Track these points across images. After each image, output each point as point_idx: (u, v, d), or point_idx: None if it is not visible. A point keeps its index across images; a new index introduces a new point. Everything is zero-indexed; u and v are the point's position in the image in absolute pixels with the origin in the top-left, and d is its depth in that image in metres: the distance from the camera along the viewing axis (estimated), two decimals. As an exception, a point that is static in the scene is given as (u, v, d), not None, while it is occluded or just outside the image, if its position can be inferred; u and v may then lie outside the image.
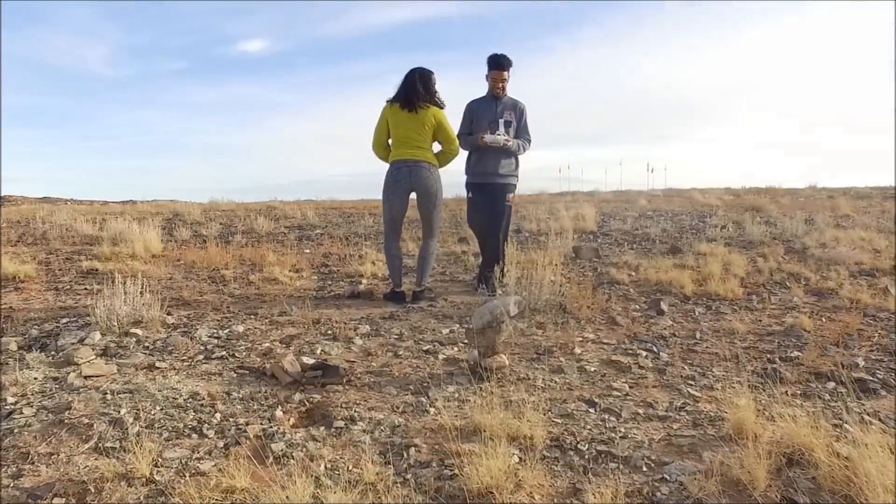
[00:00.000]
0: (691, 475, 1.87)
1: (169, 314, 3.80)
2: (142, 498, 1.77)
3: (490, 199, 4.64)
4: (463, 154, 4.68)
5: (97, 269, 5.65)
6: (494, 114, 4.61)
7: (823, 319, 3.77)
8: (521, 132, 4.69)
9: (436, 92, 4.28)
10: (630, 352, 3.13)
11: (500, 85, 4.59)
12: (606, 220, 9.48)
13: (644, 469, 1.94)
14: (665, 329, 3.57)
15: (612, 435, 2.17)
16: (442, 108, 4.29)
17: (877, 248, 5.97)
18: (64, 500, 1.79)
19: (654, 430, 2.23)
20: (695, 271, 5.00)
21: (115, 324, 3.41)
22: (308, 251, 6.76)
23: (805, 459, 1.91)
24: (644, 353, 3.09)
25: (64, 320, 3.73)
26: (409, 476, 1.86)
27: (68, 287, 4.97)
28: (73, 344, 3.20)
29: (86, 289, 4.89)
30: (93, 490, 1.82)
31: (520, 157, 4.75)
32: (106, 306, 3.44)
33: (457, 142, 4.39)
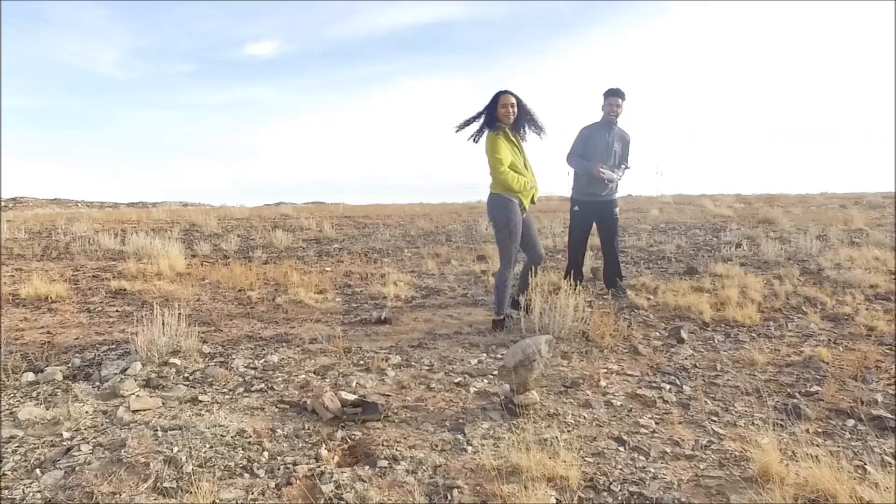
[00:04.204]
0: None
1: (204, 342, 3.94)
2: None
3: (601, 214, 5.37)
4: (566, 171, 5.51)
5: (125, 290, 5.81)
6: (607, 142, 5.22)
7: (841, 349, 3.86)
8: (624, 160, 5.40)
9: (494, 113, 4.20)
10: (654, 384, 3.23)
11: (615, 110, 5.21)
12: (620, 234, 9.57)
13: (673, 510, 2.04)
14: (686, 359, 3.67)
15: (643, 475, 2.27)
16: (495, 131, 4.18)
17: (891, 270, 6.03)
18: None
19: (681, 469, 2.33)
20: (712, 295, 5.09)
21: (155, 354, 3.55)
22: (329, 269, 6.89)
23: (830, 499, 2.01)
24: (668, 387, 3.19)
25: (103, 348, 3.87)
26: (454, 519, 1.98)
27: (99, 308, 5.12)
28: (115, 374, 3.34)
29: (117, 310, 5.04)
30: (158, 531, 1.94)
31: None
32: (146, 337, 3.57)
33: (498, 172, 4.16)
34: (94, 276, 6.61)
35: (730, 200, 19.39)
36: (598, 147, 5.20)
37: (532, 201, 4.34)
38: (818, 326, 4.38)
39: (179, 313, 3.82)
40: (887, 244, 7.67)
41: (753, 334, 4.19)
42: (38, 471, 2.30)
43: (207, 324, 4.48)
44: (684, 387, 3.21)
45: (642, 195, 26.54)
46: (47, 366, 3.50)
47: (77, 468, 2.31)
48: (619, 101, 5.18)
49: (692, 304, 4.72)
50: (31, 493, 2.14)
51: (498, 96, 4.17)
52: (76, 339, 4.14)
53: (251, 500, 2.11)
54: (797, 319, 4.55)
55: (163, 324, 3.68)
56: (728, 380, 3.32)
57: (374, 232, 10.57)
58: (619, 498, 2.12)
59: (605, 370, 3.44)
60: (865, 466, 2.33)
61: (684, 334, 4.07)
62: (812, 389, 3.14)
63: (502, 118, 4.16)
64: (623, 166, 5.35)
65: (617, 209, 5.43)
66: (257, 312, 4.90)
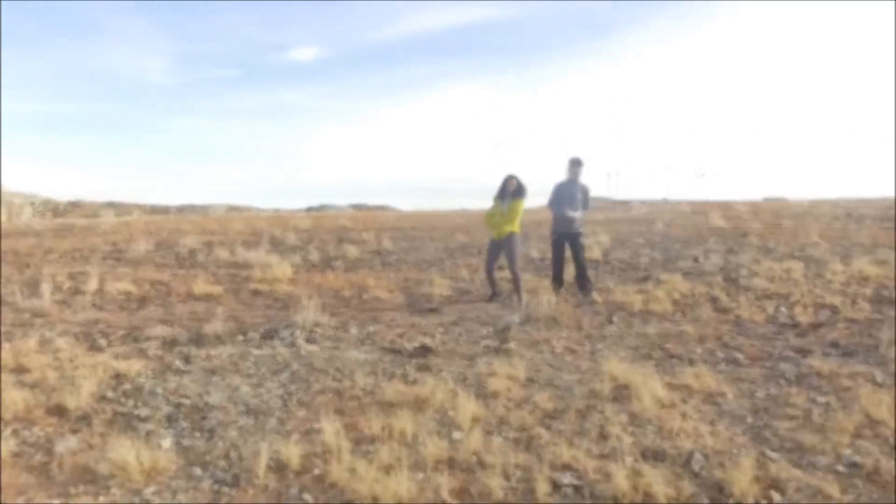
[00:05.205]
0: (580, 387, 4.63)
1: (329, 321, 6.74)
2: (365, 394, 4.64)
3: (571, 240, 8.20)
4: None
5: (260, 290, 8.71)
6: (573, 193, 8.14)
7: (705, 328, 6.41)
8: (585, 203, 8.24)
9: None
10: (581, 343, 5.89)
11: (577, 172, 8.15)
12: (615, 246, 12.12)
13: (561, 388, 4.69)
14: (609, 332, 6.29)
15: (556, 375, 4.94)
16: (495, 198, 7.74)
17: (792, 278, 8.47)
18: (334, 386, 4.68)
19: (576, 374, 4.98)
20: (647, 295, 7.67)
21: (307, 326, 6.37)
22: (392, 276, 9.71)
23: (631, 385, 4.63)
24: (588, 345, 5.84)
25: (274, 322, 6.70)
26: (467, 387, 4.67)
27: (250, 302, 8.00)
28: (288, 336, 6.16)
29: (262, 303, 7.90)
30: (341, 390, 4.69)
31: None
32: (301, 316, 6.41)
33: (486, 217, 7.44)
34: (230, 281, 9.54)
35: (741, 210, 21.52)
36: (566, 196, 8.01)
37: (499, 235, 7.47)
38: (707, 315, 6.92)
39: (316, 304, 6.63)
40: (816, 256, 10.03)
41: (661, 319, 6.77)
42: (275, 372, 5.09)
43: (326, 311, 7.29)
44: (598, 344, 5.85)
45: (673, 199, 28.48)
46: (248, 332, 6.34)
47: (293, 372, 5.10)
48: (579, 168, 8.02)
49: (631, 301, 7.32)
50: (278, 381, 4.92)
51: (506, 179, 7.44)
52: (252, 319, 7.00)
53: (377, 383, 4.85)
54: (696, 310, 7.10)
55: (308, 308, 6.50)
56: (626, 341, 5.94)
57: (422, 245, 13.37)
58: (542, 384, 4.79)
59: (557, 337, 6.10)
60: (659, 374, 4.93)
61: (615, 319, 6.69)
62: (666, 346, 5.74)
63: (507, 187, 7.29)
64: (582, 209, 8.05)
65: (582, 238, 8.17)
66: (352, 304, 7.72)
